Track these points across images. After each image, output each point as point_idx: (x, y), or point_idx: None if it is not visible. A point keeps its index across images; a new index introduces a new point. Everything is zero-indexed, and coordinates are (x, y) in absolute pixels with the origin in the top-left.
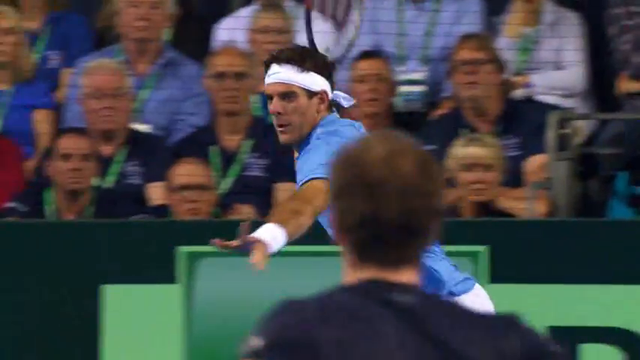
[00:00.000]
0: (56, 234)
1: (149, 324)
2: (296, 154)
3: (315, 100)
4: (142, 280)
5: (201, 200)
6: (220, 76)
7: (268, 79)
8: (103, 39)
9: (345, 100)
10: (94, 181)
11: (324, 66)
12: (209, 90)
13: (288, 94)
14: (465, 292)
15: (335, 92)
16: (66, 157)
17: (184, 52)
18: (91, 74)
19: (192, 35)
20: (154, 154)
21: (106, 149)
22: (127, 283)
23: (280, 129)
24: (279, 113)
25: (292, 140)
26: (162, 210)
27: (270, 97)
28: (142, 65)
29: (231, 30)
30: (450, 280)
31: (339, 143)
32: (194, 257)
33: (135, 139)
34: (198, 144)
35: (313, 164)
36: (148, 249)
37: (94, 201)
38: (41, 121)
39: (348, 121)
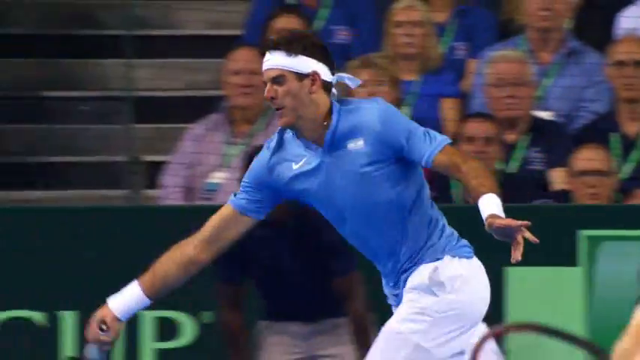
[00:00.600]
0: (465, 217)
1: (551, 306)
2: (310, 145)
3: (307, 82)
4: (544, 262)
5: (601, 185)
6: (621, 64)
7: (262, 67)
8: (506, 30)
9: (351, 81)
10: (499, 166)
11: (314, 48)
12: (610, 78)
13: (278, 78)
14: (466, 257)
15: (339, 74)
16: (470, 139)
17: (586, 41)
18: (495, 63)
19: (594, 24)
20: (557, 140)
21: (510, 136)
22: (529, 265)
23: (278, 112)
24: (272, 98)
25: (290, 122)
26: (563, 195)
27: (266, 84)
28: (545, 54)
29: (634, 18)
30: (447, 240)
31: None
32: (595, 241)
33: (537, 126)
34: (599, 131)
35: (428, 136)
36: (550, 232)
37: (498, 185)
38: (448, 108)
39: (365, 99)
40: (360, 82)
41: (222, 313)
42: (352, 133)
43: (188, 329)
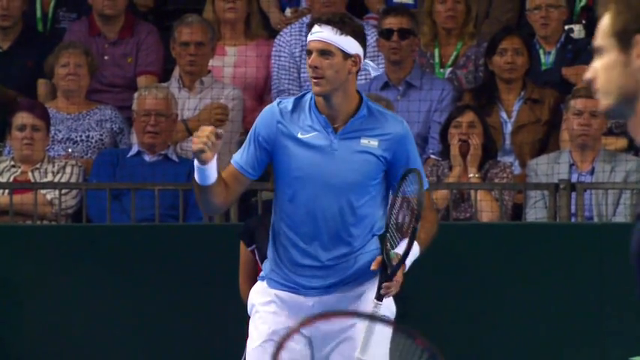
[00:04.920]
0: None
1: None
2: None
3: (349, 62)
4: None
5: None
6: None
7: (310, 37)
8: None
9: (373, 70)
10: None
11: (360, 33)
12: None
13: (326, 51)
14: None
15: (365, 60)
16: None
17: None
18: None
19: None
20: None
21: None
22: None
23: (314, 81)
24: (316, 67)
25: (324, 92)
26: None
27: (310, 53)
28: None
29: None
30: None
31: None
32: None
33: None
34: None
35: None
36: None
37: None
38: None
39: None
40: (380, 71)
41: None
42: (371, 131)
43: None
